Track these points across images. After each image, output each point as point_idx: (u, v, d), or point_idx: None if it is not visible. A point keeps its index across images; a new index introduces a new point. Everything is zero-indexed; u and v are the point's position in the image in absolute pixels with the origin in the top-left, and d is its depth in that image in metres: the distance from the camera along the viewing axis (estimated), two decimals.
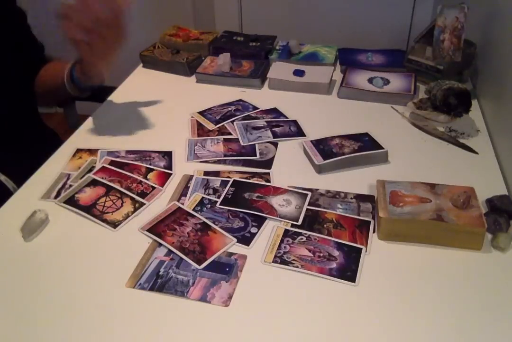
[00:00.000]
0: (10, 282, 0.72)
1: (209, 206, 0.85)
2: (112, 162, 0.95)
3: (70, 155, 0.99)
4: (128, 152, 0.99)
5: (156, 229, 0.80)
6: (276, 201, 0.85)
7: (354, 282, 0.71)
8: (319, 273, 0.72)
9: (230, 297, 0.69)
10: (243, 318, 0.66)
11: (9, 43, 1.08)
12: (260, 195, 0.87)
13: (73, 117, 1.35)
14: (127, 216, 0.83)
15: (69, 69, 1.07)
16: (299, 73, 1.25)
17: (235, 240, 0.78)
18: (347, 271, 0.72)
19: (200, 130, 1.08)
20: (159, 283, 0.71)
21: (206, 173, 0.94)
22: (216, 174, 0.93)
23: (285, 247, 0.77)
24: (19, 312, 0.67)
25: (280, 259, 0.74)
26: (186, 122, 1.11)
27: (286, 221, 0.82)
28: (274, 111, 1.15)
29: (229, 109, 1.15)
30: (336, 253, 0.75)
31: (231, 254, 0.76)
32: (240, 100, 1.20)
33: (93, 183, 0.89)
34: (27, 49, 1.14)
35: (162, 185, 0.91)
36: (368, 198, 0.87)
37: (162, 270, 0.73)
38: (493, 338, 0.63)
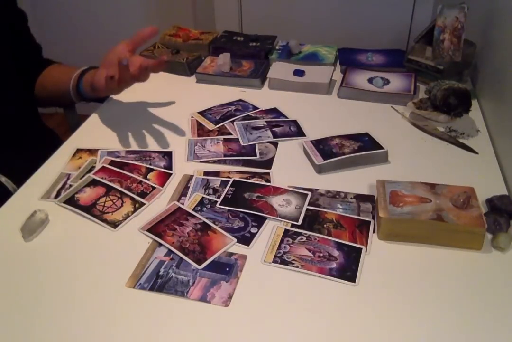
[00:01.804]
0: (10, 282, 0.72)
1: (209, 206, 0.85)
2: (112, 162, 0.95)
3: (70, 155, 0.99)
4: (128, 152, 0.99)
5: (156, 229, 0.80)
6: (276, 201, 0.85)
7: (354, 282, 0.71)
8: (319, 273, 0.72)
9: (230, 297, 0.69)
10: (243, 318, 0.66)
11: (9, 45, 1.08)
12: (260, 195, 0.87)
13: (73, 117, 1.35)
14: (127, 216, 0.83)
15: (76, 79, 1.07)
16: (299, 73, 1.25)
17: (235, 240, 0.78)
18: (347, 271, 0.72)
19: (200, 130, 1.08)
20: (159, 283, 0.71)
21: (206, 173, 0.94)
22: (216, 174, 0.93)
23: (285, 247, 0.77)
24: (19, 312, 0.67)
25: (280, 259, 0.74)
26: (186, 122, 1.11)
27: (286, 221, 0.82)
28: (274, 111, 1.15)
29: (229, 109, 1.15)
30: (336, 253, 0.75)
31: (231, 254, 0.76)
32: (240, 100, 1.19)
33: (93, 183, 0.89)
34: (26, 51, 1.14)
35: (162, 185, 0.91)
36: (368, 198, 0.87)
37: (162, 270, 0.73)
38: (493, 338, 0.63)
